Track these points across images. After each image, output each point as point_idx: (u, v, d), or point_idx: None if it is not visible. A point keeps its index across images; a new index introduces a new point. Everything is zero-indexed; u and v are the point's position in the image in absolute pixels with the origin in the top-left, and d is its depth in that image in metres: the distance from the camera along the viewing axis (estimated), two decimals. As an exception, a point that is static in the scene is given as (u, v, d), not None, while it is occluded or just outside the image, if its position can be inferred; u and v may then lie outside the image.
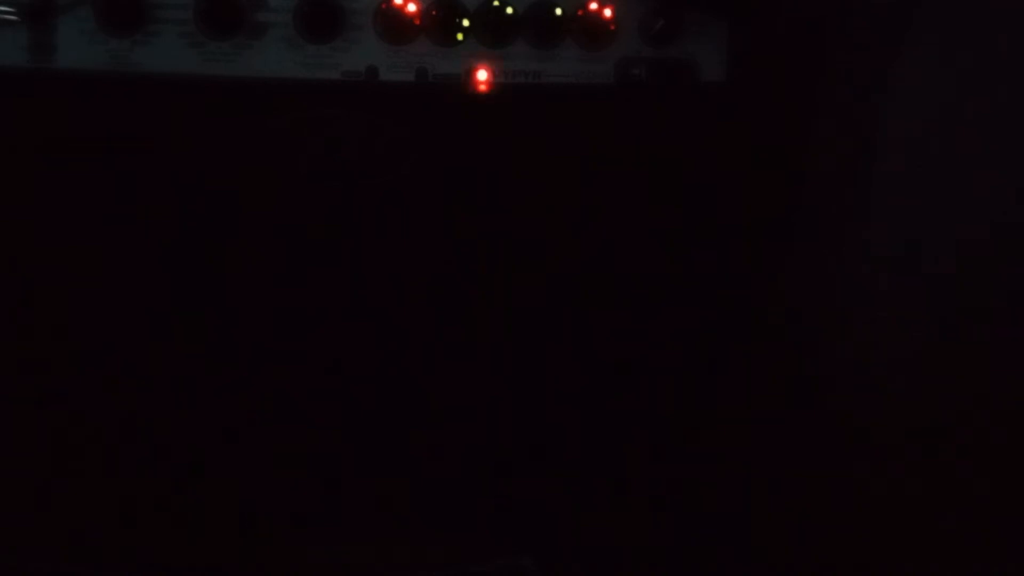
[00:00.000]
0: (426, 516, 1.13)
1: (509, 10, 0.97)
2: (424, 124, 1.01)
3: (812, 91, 1.01)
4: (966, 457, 0.90)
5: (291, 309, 1.10)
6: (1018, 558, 0.86)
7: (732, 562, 1.07)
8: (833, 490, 1.00)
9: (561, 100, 1.01)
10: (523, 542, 1.12)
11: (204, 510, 1.10)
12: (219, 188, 1.04)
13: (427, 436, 1.15)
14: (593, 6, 0.99)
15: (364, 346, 1.12)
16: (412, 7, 0.96)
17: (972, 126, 0.89)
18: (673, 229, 1.09)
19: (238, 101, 0.98)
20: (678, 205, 1.07)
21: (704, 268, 1.10)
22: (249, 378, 1.11)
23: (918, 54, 0.93)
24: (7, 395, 1.07)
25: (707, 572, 1.08)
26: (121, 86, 0.95)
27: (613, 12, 0.99)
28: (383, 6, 0.96)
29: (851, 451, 1.00)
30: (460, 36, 0.98)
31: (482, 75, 0.98)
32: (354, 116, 1.00)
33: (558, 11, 0.98)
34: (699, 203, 1.07)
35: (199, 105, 0.98)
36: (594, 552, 1.10)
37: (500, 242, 1.10)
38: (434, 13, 0.96)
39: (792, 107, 1.02)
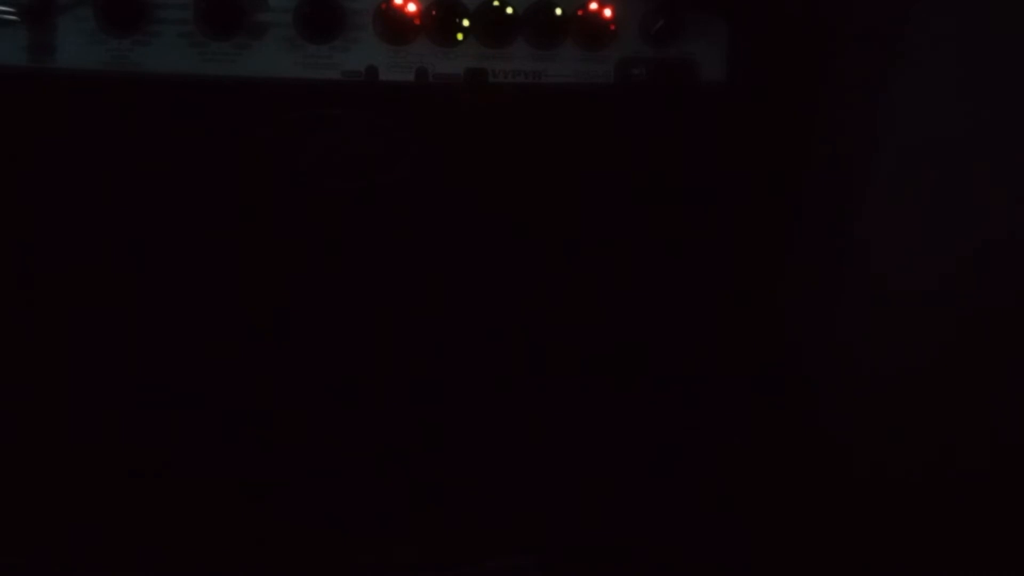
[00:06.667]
0: (426, 516, 1.13)
1: (509, 10, 0.97)
2: (424, 124, 1.01)
3: (812, 91, 1.01)
4: (967, 457, 0.90)
5: (291, 309, 1.10)
6: (1019, 559, 0.86)
7: (732, 562, 1.07)
8: (833, 490, 1.00)
9: (561, 100, 1.00)
10: (523, 542, 1.12)
11: (204, 510, 1.10)
12: (219, 188, 1.04)
13: (427, 435, 1.15)
14: (593, 6, 0.98)
15: (364, 346, 1.12)
16: (412, 7, 0.96)
17: (972, 126, 0.89)
18: (673, 229, 1.09)
19: (238, 101, 0.98)
20: (678, 205, 1.07)
21: (704, 268, 1.10)
22: (249, 378, 1.11)
23: (918, 54, 0.93)
24: (7, 395, 1.07)
25: (707, 572, 1.08)
26: (121, 86, 0.95)
27: (613, 12, 0.99)
28: (383, 6, 0.96)
29: (850, 451, 1.00)
30: (460, 36, 0.97)
31: (482, 75, 0.98)
32: (354, 116, 1.00)
33: (558, 11, 0.98)
34: (699, 203, 1.07)
35: (199, 105, 0.98)
36: (595, 552, 1.10)
37: (500, 242, 1.09)
38: (434, 13, 0.96)
39: (792, 107, 1.02)
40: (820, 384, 1.03)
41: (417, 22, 0.96)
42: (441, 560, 1.11)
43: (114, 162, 1.01)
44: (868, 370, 0.98)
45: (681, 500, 1.13)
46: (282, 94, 0.97)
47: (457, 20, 0.97)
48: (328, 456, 1.13)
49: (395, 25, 0.96)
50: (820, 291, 1.03)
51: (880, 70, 0.95)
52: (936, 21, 0.91)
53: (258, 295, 1.09)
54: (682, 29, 1.00)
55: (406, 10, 0.96)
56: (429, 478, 1.14)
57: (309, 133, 1.00)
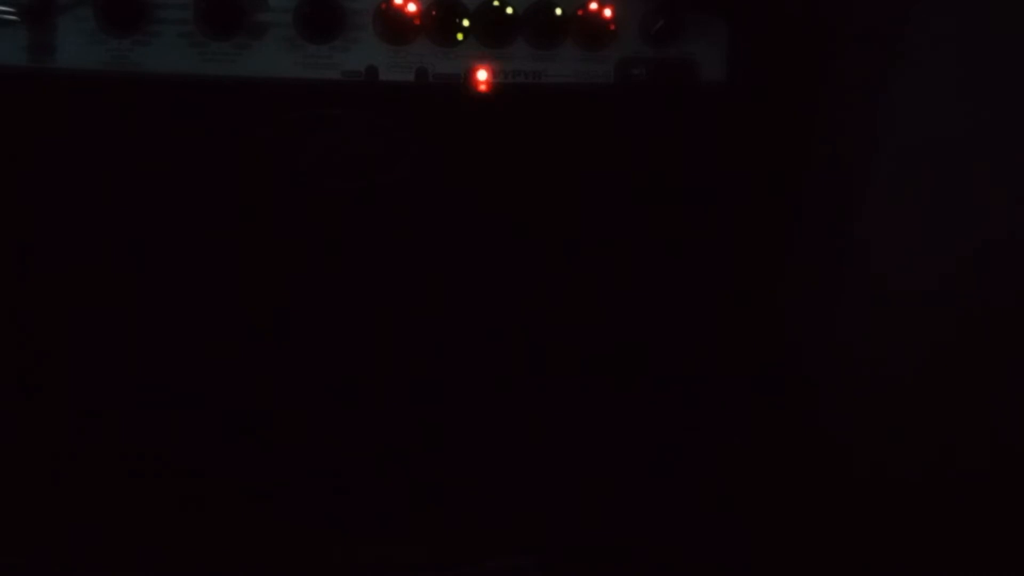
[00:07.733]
0: (426, 516, 1.13)
1: (509, 10, 0.97)
2: (424, 124, 1.01)
3: (812, 91, 1.01)
4: (967, 457, 0.90)
5: (291, 309, 1.10)
6: (1019, 559, 0.86)
7: (732, 562, 1.07)
8: (833, 490, 1.00)
9: (561, 100, 1.00)
10: (523, 542, 1.12)
11: (205, 510, 1.10)
12: (219, 188, 1.04)
13: (427, 435, 1.15)
14: (593, 6, 0.98)
15: (364, 346, 1.12)
16: (412, 7, 0.96)
17: (972, 126, 0.89)
18: (673, 229, 1.09)
19: (238, 101, 0.98)
20: (678, 205, 1.07)
21: (704, 268, 1.10)
22: (249, 378, 1.11)
23: (918, 54, 0.93)
24: (7, 395, 1.07)
25: (707, 572, 1.08)
26: (121, 86, 0.95)
27: (613, 12, 0.99)
28: (383, 6, 0.96)
29: (850, 451, 1.00)
30: (460, 36, 0.97)
31: (482, 75, 0.98)
32: (354, 116, 1.00)
33: (558, 11, 0.98)
34: (699, 203, 1.07)
35: (199, 105, 0.98)
36: (595, 552, 1.10)
37: (500, 242, 1.09)
38: (434, 13, 0.96)
39: (792, 107, 1.02)
40: (820, 384, 1.03)
41: (417, 22, 0.96)
42: (441, 560, 1.11)
43: (114, 162, 1.01)
44: (868, 370, 0.98)
45: (681, 500, 1.13)
46: (282, 94, 0.97)
47: (457, 20, 0.97)
48: (328, 456, 1.13)
49: (395, 25, 0.96)
50: (820, 291, 1.03)
51: (880, 70, 0.95)
52: (936, 21, 0.91)
53: (258, 295, 1.09)
54: (682, 29, 1.00)
55: (406, 10, 0.96)
56: (429, 478, 1.14)
57: (309, 133, 1.00)
